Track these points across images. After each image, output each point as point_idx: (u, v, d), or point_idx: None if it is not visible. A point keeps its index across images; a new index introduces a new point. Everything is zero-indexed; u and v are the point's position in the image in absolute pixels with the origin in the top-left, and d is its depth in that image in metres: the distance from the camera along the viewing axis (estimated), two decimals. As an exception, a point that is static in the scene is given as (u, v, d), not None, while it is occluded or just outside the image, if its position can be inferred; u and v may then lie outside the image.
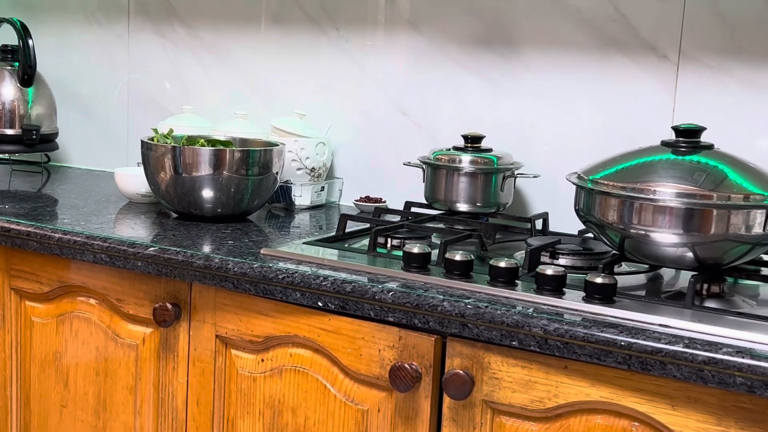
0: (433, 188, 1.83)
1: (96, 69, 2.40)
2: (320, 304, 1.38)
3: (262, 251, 1.51)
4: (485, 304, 1.26)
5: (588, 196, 1.42)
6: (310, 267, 1.42)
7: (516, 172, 1.83)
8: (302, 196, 1.96)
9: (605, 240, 1.43)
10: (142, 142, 1.78)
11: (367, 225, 1.71)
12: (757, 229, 1.33)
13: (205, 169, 1.70)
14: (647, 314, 1.22)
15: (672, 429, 1.16)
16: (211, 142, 1.79)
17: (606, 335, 1.17)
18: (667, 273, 1.50)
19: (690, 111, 1.74)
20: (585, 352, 1.18)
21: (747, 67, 1.69)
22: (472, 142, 1.82)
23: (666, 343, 1.13)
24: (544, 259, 1.48)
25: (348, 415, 1.40)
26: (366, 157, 2.08)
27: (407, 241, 1.57)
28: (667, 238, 1.33)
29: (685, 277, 1.41)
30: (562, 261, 1.48)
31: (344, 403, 1.40)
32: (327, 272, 1.39)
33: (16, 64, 2.25)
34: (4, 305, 1.73)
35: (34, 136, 2.22)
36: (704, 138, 1.44)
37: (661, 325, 1.19)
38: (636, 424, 1.20)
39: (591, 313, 1.24)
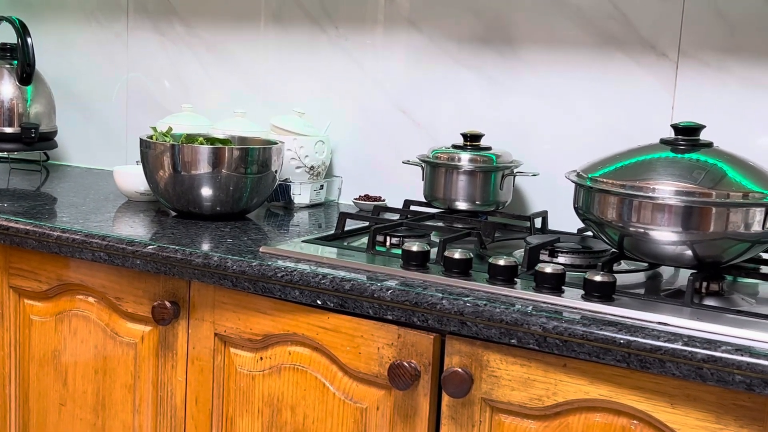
0: (433, 187, 1.82)
1: (95, 67, 2.40)
2: (319, 302, 1.38)
3: (261, 249, 1.51)
4: (484, 302, 1.26)
5: (587, 194, 1.42)
6: (309, 265, 1.42)
7: (515, 171, 1.83)
8: (301, 194, 1.96)
9: (604, 238, 1.43)
10: (141, 140, 1.78)
11: (366, 223, 1.70)
12: (756, 227, 1.32)
13: (203, 168, 1.70)
14: (646, 312, 1.22)
15: (671, 427, 1.16)
16: (210, 140, 1.79)
17: (605, 333, 1.17)
18: (666, 271, 1.50)
19: (689, 109, 1.73)
20: (584, 350, 1.18)
21: (746, 65, 1.69)
22: (472, 140, 1.82)
23: (665, 341, 1.13)
24: (543, 257, 1.48)
25: (347, 414, 1.40)
26: (365, 156, 2.08)
27: (406, 240, 1.56)
28: (666, 236, 1.33)
29: (684, 275, 1.41)
30: (561, 259, 1.48)
31: (343, 402, 1.40)
32: (326, 270, 1.39)
33: (15, 62, 2.25)
34: (3, 303, 1.73)
35: (32, 135, 2.22)
36: (703, 136, 1.43)
37: (660, 323, 1.19)
38: (635, 422, 1.20)
39: (590, 311, 1.24)
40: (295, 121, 2.00)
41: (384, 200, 1.98)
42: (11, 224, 1.66)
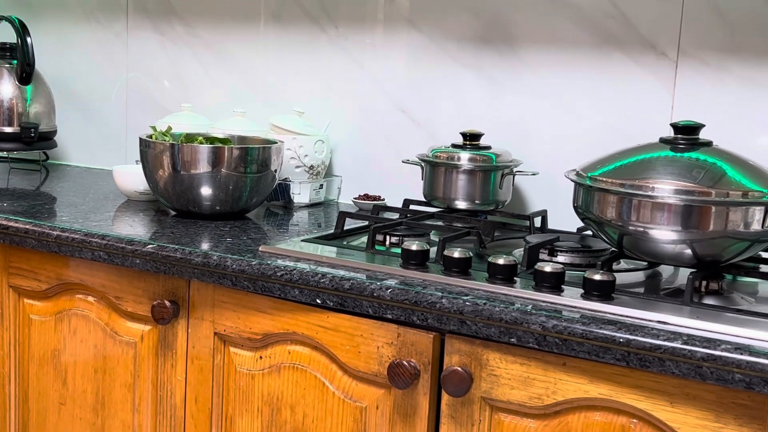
0: (432, 186, 1.82)
1: (95, 67, 2.40)
2: (319, 301, 1.38)
3: (260, 249, 1.51)
4: (484, 301, 1.26)
5: (586, 193, 1.42)
6: (308, 264, 1.42)
7: (515, 170, 1.83)
8: (301, 193, 1.96)
9: (604, 237, 1.43)
10: (140, 139, 1.78)
11: (366, 222, 1.71)
12: (756, 226, 1.32)
13: (203, 167, 1.70)
14: (646, 311, 1.22)
15: (670, 426, 1.16)
16: (210, 139, 1.79)
17: (604, 332, 1.17)
18: (665, 270, 1.50)
19: (689, 108, 1.74)
20: (583, 348, 1.18)
21: (746, 64, 1.69)
22: (471, 139, 1.82)
23: (664, 340, 1.13)
24: (543, 256, 1.48)
25: (346, 412, 1.40)
26: (365, 155, 2.08)
27: (406, 239, 1.56)
28: (665, 235, 1.33)
29: (684, 274, 1.41)
30: (561, 258, 1.48)
31: (343, 401, 1.40)
32: (325, 269, 1.39)
33: (15, 62, 2.25)
34: (3, 303, 1.73)
35: (32, 134, 2.22)
36: (703, 135, 1.44)
37: (659, 321, 1.19)
38: (634, 420, 1.20)
39: (589, 309, 1.24)
40: (294, 121, 2.00)
41: (383, 199, 1.98)
42: (11, 224, 1.66)
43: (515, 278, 1.34)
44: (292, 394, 1.44)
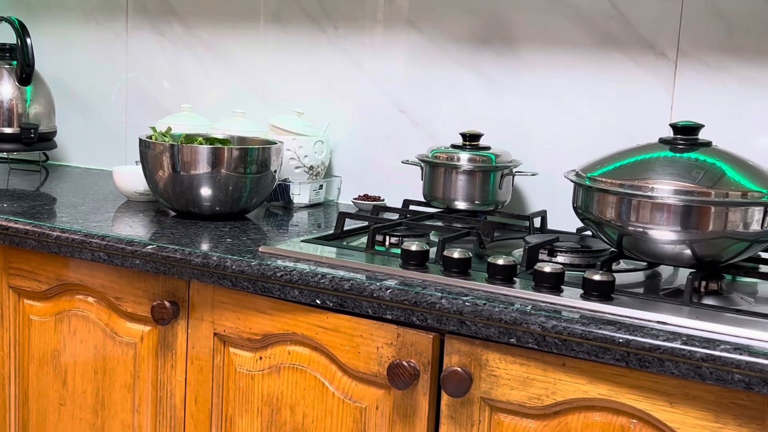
0: (432, 186, 1.82)
1: (94, 67, 2.40)
2: (318, 301, 1.38)
3: (260, 249, 1.51)
4: (483, 302, 1.26)
5: (586, 194, 1.42)
6: (308, 265, 1.42)
7: (514, 170, 1.83)
8: (300, 194, 1.96)
9: (603, 237, 1.43)
10: (140, 140, 1.78)
11: (366, 223, 1.71)
12: (755, 226, 1.33)
13: (203, 168, 1.70)
14: (645, 311, 1.22)
15: (670, 426, 1.17)
16: (210, 140, 1.79)
17: (604, 332, 1.17)
18: (665, 270, 1.50)
19: (688, 109, 1.74)
20: (583, 349, 1.18)
21: (745, 64, 1.69)
22: (471, 140, 1.82)
23: (664, 340, 1.13)
24: (543, 256, 1.48)
25: (346, 413, 1.40)
26: (364, 156, 2.08)
27: (405, 239, 1.56)
28: (665, 235, 1.33)
29: (683, 275, 1.41)
30: (561, 258, 1.48)
31: (342, 401, 1.40)
32: (325, 270, 1.39)
33: (15, 62, 2.25)
34: (3, 303, 1.73)
35: (32, 135, 2.22)
36: (702, 135, 1.44)
37: (659, 322, 1.19)
38: (634, 421, 1.20)
39: (589, 310, 1.24)
40: (294, 121, 2.00)
41: (383, 200, 1.98)
42: (11, 224, 1.66)
43: (515, 278, 1.34)
44: (292, 395, 1.44)
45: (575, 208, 1.47)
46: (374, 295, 1.32)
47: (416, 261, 1.41)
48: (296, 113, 2.03)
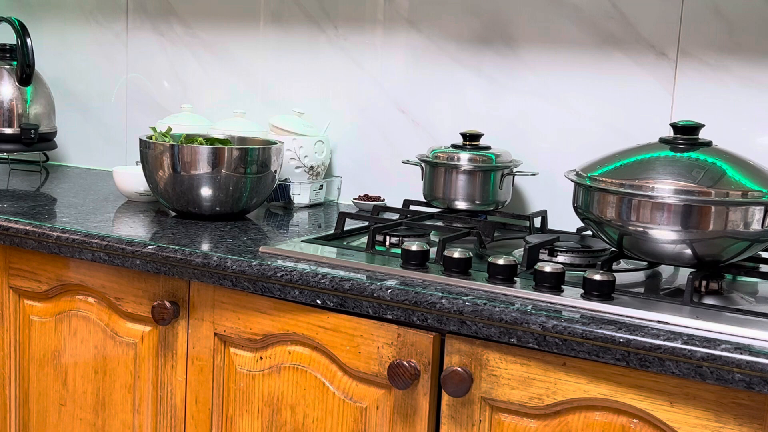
0: (432, 186, 1.82)
1: (94, 68, 2.40)
2: (319, 301, 1.38)
3: (260, 249, 1.51)
4: (484, 302, 1.26)
5: (586, 194, 1.42)
6: (308, 265, 1.42)
7: (514, 170, 1.83)
8: (301, 194, 1.96)
9: (604, 237, 1.43)
10: (140, 140, 1.78)
11: (366, 223, 1.71)
12: (756, 226, 1.32)
13: (203, 168, 1.70)
14: (646, 311, 1.22)
15: (670, 426, 1.16)
16: (210, 140, 1.79)
17: (604, 332, 1.17)
18: (665, 270, 1.50)
19: (689, 108, 1.74)
20: (583, 348, 1.18)
21: (746, 64, 1.69)
22: (471, 139, 1.82)
23: (664, 340, 1.13)
24: (543, 256, 1.48)
25: (347, 413, 1.40)
26: (365, 156, 2.08)
27: (406, 239, 1.57)
28: (665, 235, 1.33)
29: (684, 274, 1.41)
30: (561, 258, 1.48)
31: (343, 401, 1.40)
32: (325, 270, 1.39)
33: (15, 63, 2.25)
34: (3, 304, 1.73)
35: (32, 135, 2.22)
36: (703, 135, 1.44)
37: (659, 321, 1.19)
38: (635, 420, 1.20)
39: (589, 310, 1.24)
40: (294, 121, 2.00)
41: (383, 200, 1.99)
42: (11, 225, 1.66)
43: (515, 278, 1.34)
44: (293, 395, 1.44)
45: (575, 208, 1.47)
46: (375, 295, 1.32)
47: (417, 261, 1.41)
48: (296, 113, 2.03)
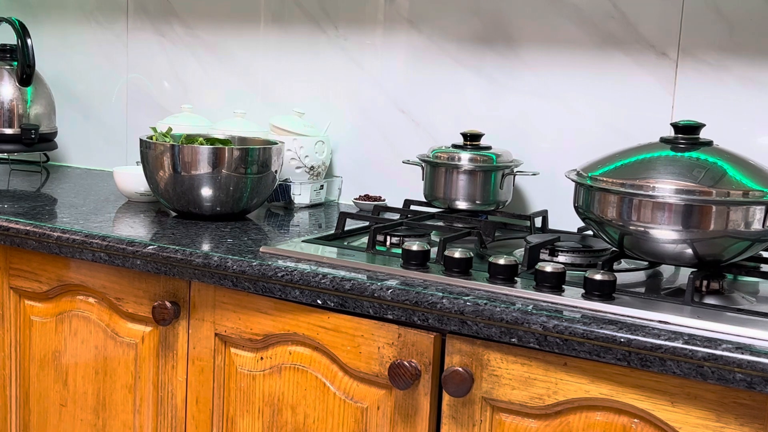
0: (433, 186, 1.82)
1: (95, 68, 2.40)
2: (319, 301, 1.38)
3: (261, 249, 1.51)
4: (484, 302, 1.26)
5: (587, 193, 1.42)
6: (309, 265, 1.42)
7: (515, 170, 1.83)
8: (301, 194, 1.96)
9: (604, 237, 1.43)
10: (141, 140, 1.78)
11: (367, 223, 1.71)
12: (757, 226, 1.32)
13: (203, 168, 1.70)
14: (647, 311, 1.22)
15: (672, 425, 1.16)
16: (210, 140, 1.79)
17: (605, 332, 1.17)
18: (666, 270, 1.50)
19: (689, 108, 1.74)
20: (584, 348, 1.18)
21: (746, 64, 1.69)
22: (472, 139, 1.82)
23: (665, 340, 1.13)
24: (544, 256, 1.48)
25: (347, 413, 1.40)
26: (365, 156, 2.08)
27: (406, 239, 1.56)
28: (666, 234, 1.33)
29: (685, 274, 1.41)
30: (562, 258, 1.48)
31: (344, 401, 1.40)
32: (326, 270, 1.39)
33: (15, 63, 2.25)
34: (3, 304, 1.73)
35: (32, 136, 2.22)
36: (703, 135, 1.43)
37: (660, 321, 1.19)
38: (636, 420, 1.20)
39: (590, 309, 1.24)
40: (295, 121, 2.00)
41: (384, 200, 1.98)
42: (11, 225, 1.66)
43: (516, 278, 1.34)
44: (293, 395, 1.44)
45: (576, 208, 1.47)
46: (375, 295, 1.32)
47: (417, 261, 1.41)
48: (297, 113, 2.03)
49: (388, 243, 1.58)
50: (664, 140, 1.43)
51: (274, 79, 2.17)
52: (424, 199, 1.86)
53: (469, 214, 1.78)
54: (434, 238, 1.65)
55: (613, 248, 1.45)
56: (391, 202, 1.98)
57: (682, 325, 1.18)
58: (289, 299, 1.41)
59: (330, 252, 1.51)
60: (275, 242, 1.58)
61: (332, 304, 1.37)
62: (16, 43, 2.22)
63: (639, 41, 1.77)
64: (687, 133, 1.42)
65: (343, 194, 2.10)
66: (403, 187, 1.97)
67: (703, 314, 1.21)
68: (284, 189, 1.93)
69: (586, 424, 1.23)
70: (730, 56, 1.70)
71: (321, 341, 1.40)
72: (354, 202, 2.00)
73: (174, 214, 1.80)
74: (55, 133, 2.33)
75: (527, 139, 1.89)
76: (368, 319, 1.36)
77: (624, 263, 1.48)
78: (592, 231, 1.49)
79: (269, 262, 1.43)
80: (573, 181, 1.45)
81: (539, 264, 1.33)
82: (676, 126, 1.43)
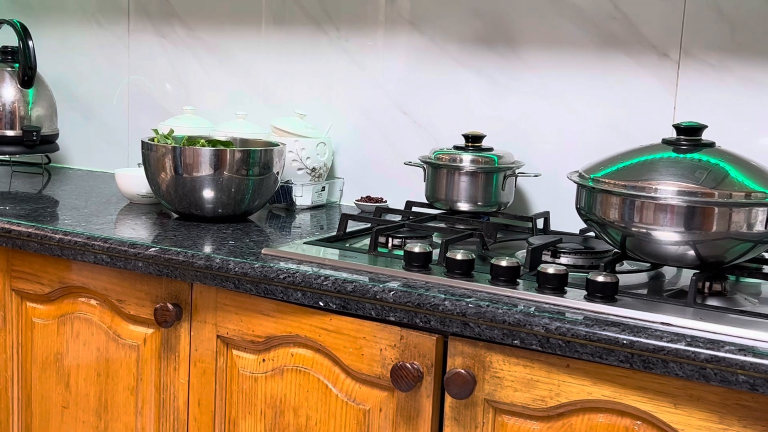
0: (434, 188, 1.82)
1: (96, 70, 2.40)
2: (321, 303, 1.38)
3: (263, 251, 1.51)
4: (487, 303, 1.25)
5: (589, 195, 1.42)
6: (311, 267, 1.42)
7: (517, 171, 1.83)
8: (303, 196, 1.96)
9: (607, 238, 1.43)
10: (142, 142, 1.78)
11: (368, 225, 1.70)
12: (759, 227, 1.32)
13: (205, 170, 1.70)
14: (649, 312, 1.22)
15: (674, 427, 1.16)
16: (212, 142, 1.79)
17: (608, 334, 1.17)
18: (668, 271, 1.50)
19: (691, 109, 1.73)
20: (587, 350, 1.18)
21: (748, 64, 1.69)
22: (473, 141, 1.82)
23: (668, 342, 1.13)
24: (546, 257, 1.47)
25: (350, 415, 1.40)
26: (367, 157, 2.08)
27: (408, 241, 1.56)
28: (668, 236, 1.33)
29: (687, 276, 1.41)
30: (564, 260, 1.48)
31: (346, 403, 1.40)
32: (328, 272, 1.39)
33: (17, 65, 2.25)
34: (5, 306, 1.73)
35: (34, 138, 2.23)
36: (705, 136, 1.43)
37: (663, 323, 1.19)
38: (638, 422, 1.20)
39: (593, 311, 1.24)
40: (296, 123, 2.00)
41: (386, 201, 1.98)
42: (13, 227, 1.66)
43: (518, 280, 1.34)
44: (295, 397, 1.44)
45: (578, 209, 1.46)
46: (377, 296, 1.32)
47: (419, 262, 1.41)
48: (298, 115, 2.03)
49: (389, 245, 1.58)
50: (666, 142, 1.43)
51: (276, 80, 2.17)
52: (425, 201, 1.86)
53: (470, 216, 1.78)
54: (436, 239, 1.65)
55: (616, 250, 1.45)
56: (392, 204, 1.97)
57: (684, 326, 1.18)
58: (291, 301, 1.41)
59: (332, 254, 1.51)
60: (277, 244, 1.58)
61: (334, 306, 1.37)
62: (17, 45, 2.22)
63: (640, 42, 1.77)
64: (689, 135, 1.42)
65: (344, 196, 2.10)
66: (405, 189, 1.97)
67: (705, 316, 1.21)
68: (286, 190, 1.93)
69: (589, 426, 1.23)
70: (732, 57, 1.70)
71: (323, 343, 1.40)
72: (355, 203, 2.00)
73: (176, 216, 1.80)
74: (56, 135, 2.33)
75: (529, 140, 1.89)
76: (370, 321, 1.36)
77: (626, 265, 1.48)
78: (594, 232, 1.48)
79: (271, 264, 1.43)
80: (575, 182, 1.45)
81: (541, 266, 1.33)
82: (678, 127, 1.43)
